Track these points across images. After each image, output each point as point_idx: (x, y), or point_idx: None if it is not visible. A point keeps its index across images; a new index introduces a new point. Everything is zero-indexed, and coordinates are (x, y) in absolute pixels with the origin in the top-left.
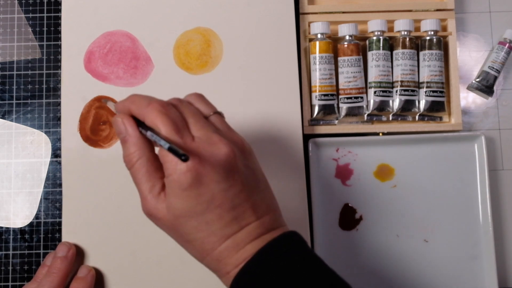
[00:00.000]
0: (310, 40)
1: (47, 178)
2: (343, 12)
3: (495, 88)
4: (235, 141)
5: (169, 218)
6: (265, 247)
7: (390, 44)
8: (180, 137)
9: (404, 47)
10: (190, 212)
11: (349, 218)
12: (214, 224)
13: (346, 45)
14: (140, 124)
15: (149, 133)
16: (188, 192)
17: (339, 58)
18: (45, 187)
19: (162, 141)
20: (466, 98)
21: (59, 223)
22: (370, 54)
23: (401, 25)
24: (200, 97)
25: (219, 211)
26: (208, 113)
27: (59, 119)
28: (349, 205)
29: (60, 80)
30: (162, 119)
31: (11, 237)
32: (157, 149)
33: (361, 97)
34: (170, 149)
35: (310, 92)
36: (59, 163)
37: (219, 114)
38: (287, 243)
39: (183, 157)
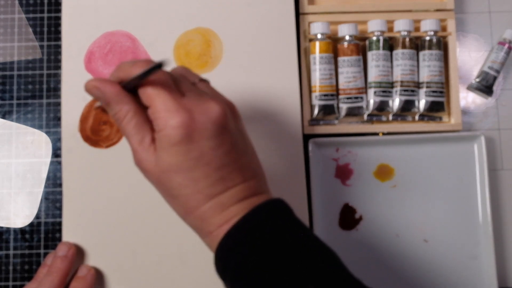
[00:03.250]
0: (310, 40)
1: (48, 178)
2: (343, 12)
3: (494, 88)
4: (226, 102)
5: (157, 171)
6: (252, 212)
7: (390, 44)
8: (169, 92)
9: (404, 47)
10: (178, 168)
11: (349, 218)
12: (200, 181)
13: (346, 45)
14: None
15: (125, 82)
16: (178, 148)
17: (339, 58)
18: (45, 187)
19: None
20: (466, 98)
21: (60, 223)
22: (370, 54)
23: (401, 25)
24: (186, 68)
25: (206, 169)
26: (194, 80)
27: (59, 119)
28: (349, 205)
29: (60, 80)
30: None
31: (11, 237)
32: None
33: (361, 97)
34: (146, 72)
35: (310, 92)
36: (60, 163)
37: (206, 81)
38: (273, 209)
39: (159, 64)
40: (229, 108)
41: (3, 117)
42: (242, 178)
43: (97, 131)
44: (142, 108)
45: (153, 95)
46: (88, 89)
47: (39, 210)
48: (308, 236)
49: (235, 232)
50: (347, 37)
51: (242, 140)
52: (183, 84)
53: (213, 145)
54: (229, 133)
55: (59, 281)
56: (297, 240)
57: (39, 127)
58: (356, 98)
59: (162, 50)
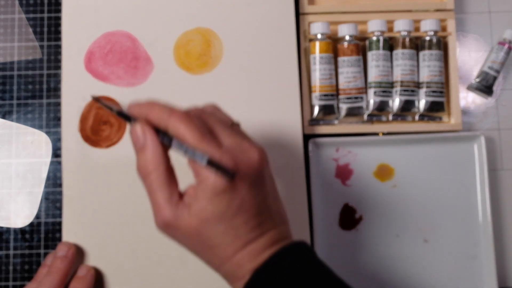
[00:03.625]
0: (310, 40)
1: (48, 178)
2: (343, 12)
3: (494, 88)
4: (261, 147)
5: (194, 223)
6: (278, 252)
7: (390, 44)
8: (210, 145)
9: (404, 47)
10: (221, 217)
11: (349, 218)
12: (240, 228)
13: (346, 45)
14: (158, 131)
15: (175, 143)
16: (222, 197)
17: (339, 58)
18: (45, 187)
19: (198, 155)
20: (466, 98)
21: (60, 223)
22: (370, 54)
23: (401, 25)
24: (217, 107)
25: (246, 215)
26: (228, 122)
27: (59, 119)
28: (349, 205)
29: (60, 80)
30: (188, 127)
31: (11, 237)
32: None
33: (361, 97)
34: (210, 164)
35: (310, 92)
36: (60, 163)
37: (237, 124)
38: (298, 250)
39: (230, 174)
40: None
41: (3, 117)
42: (273, 224)
43: (97, 131)
44: (171, 165)
45: (194, 145)
46: (134, 129)
47: (39, 210)
48: (331, 278)
49: (262, 271)
50: (347, 37)
51: (273, 186)
52: (219, 129)
53: (253, 193)
54: (265, 180)
55: (59, 281)
56: (320, 282)
57: (39, 127)
58: (356, 98)
59: (162, 50)
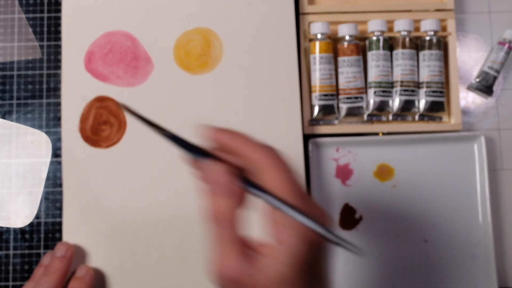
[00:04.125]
0: (310, 40)
1: (48, 178)
2: (343, 12)
3: (494, 88)
4: None
5: (266, 285)
6: None
7: (390, 44)
8: (307, 207)
9: (404, 47)
10: (296, 282)
11: (349, 218)
12: None
13: (346, 45)
14: (241, 176)
15: (269, 199)
16: (299, 263)
17: (339, 58)
18: (45, 187)
19: (317, 227)
20: (466, 98)
21: (60, 223)
22: (370, 54)
23: (401, 25)
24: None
25: (319, 282)
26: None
27: (59, 119)
28: (349, 205)
29: (60, 80)
30: (289, 186)
31: (11, 237)
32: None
33: (361, 97)
34: (339, 241)
35: (310, 92)
36: (60, 163)
37: None
38: None
39: (357, 252)
40: None
41: (3, 117)
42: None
43: (97, 131)
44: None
45: (297, 208)
46: (214, 169)
47: (39, 210)
48: None
49: None
50: (347, 37)
51: None
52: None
53: (324, 255)
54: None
55: (57, 281)
56: None
57: (39, 127)
58: (356, 98)
59: (162, 50)
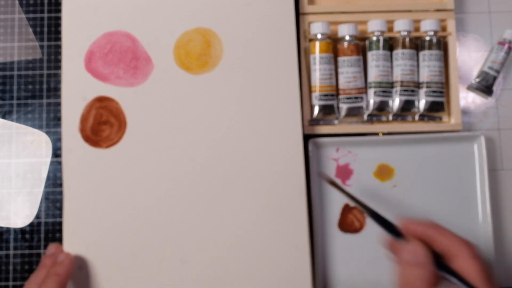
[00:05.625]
0: (310, 40)
1: (48, 178)
2: (343, 12)
3: (494, 88)
4: None
5: None
6: None
7: (390, 44)
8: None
9: (404, 47)
10: None
11: (349, 218)
12: None
13: (346, 45)
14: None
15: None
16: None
17: (339, 58)
18: (45, 187)
19: None
20: (466, 98)
21: (60, 223)
22: (370, 54)
23: (401, 25)
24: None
25: None
26: None
27: (59, 119)
28: (349, 205)
29: (60, 80)
30: (481, 274)
31: (11, 237)
32: None
33: (361, 97)
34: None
35: (310, 92)
36: (60, 163)
37: None
38: None
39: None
40: None
41: (3, 117)
42: None
43: (97, 131)
44: None
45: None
46: (418, 252)
47: (39, 210)
48: None
49: None
50: (347, 37)
51: None
52: None
53: None
54: None
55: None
56: None
57: (39, 127)
58: (356, 98)
59: (162, 50)
